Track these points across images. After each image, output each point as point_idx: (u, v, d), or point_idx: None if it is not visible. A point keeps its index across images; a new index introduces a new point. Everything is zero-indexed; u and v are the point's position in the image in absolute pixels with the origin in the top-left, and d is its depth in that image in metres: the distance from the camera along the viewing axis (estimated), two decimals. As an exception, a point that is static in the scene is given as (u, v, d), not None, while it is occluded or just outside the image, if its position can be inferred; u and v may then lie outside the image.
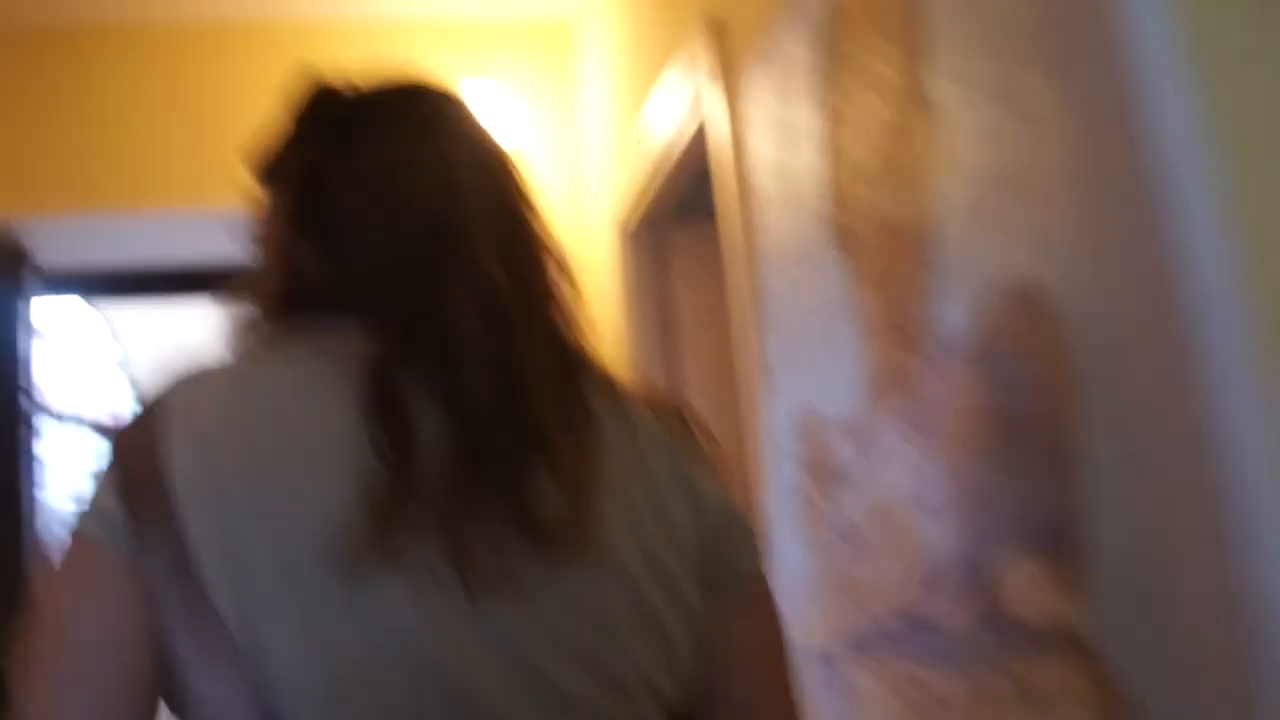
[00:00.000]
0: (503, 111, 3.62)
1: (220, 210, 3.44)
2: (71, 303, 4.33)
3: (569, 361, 0.88)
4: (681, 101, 2.63)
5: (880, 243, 1.57)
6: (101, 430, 5.32)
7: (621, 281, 3.30)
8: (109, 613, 0.74)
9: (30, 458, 3.57)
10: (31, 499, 3.52)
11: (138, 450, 0.77)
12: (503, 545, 0.76)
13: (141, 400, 0.82)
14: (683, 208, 3.17)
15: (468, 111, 0.97)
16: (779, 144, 1.97)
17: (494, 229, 0.89)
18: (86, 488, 0.79)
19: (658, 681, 0.81)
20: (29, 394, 3.62)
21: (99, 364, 5.57)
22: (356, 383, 0.79)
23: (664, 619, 0.81)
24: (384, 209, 0.88)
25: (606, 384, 0.90)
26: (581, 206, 3.72)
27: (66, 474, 4.13)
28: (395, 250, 0.86)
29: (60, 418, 5.08)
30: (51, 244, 3.66)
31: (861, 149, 1.62)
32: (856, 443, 1.66)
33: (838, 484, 1.73)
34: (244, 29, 3.68)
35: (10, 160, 3.50)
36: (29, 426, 3.60)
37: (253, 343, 0.89)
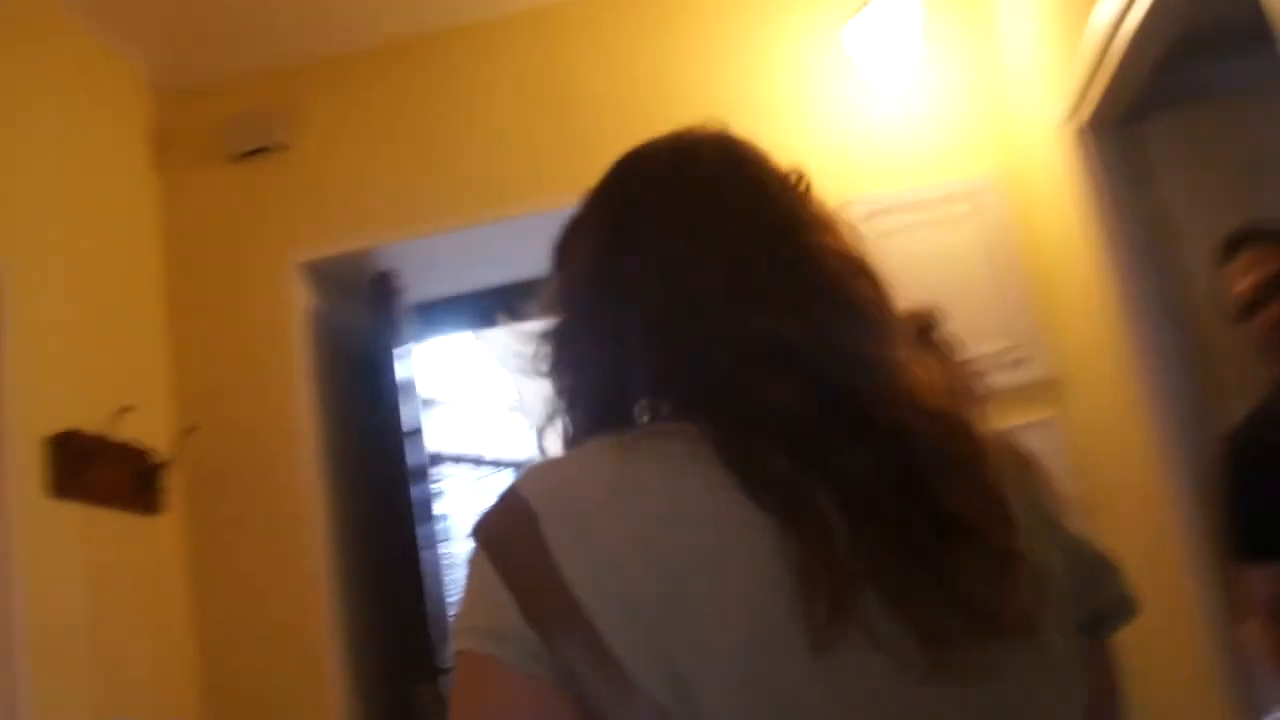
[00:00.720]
0: (908, 25, 3.04)
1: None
2: (449, 333, 4.05)
3: (962, 437, 0.80)
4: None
5: None
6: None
7: (1082, 191, 2.61)
8: None
9: (426, 509, 3.27)
10: (433, 554, 3.21)
11: (522, 555, 0.72)
12: (942, 623, 0.72)
13: (502, 497, 0.77)
14: (1160, 94, 2.47)
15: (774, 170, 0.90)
16: None
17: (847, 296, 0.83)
18: (471, 605, 0.75)
19: None
20: (415, 439, 3.31)
21: (487, 397, 5.35)
22: (755, 479, 0.74)
23: (1076, 684, 0.79)
24: (737, 307, 0.81)
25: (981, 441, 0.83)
26: (1010, 110, 3.06)
27: (467, 519, 3.90)
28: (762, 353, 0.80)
29: (456, 460, 4.87)
30: (422, 269, 3.36)
31: None
32: None
33: None
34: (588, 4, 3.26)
35: (365, 184, 3.23)
36: (420, 476, 3.30)
37: (600, 431, 0.82)
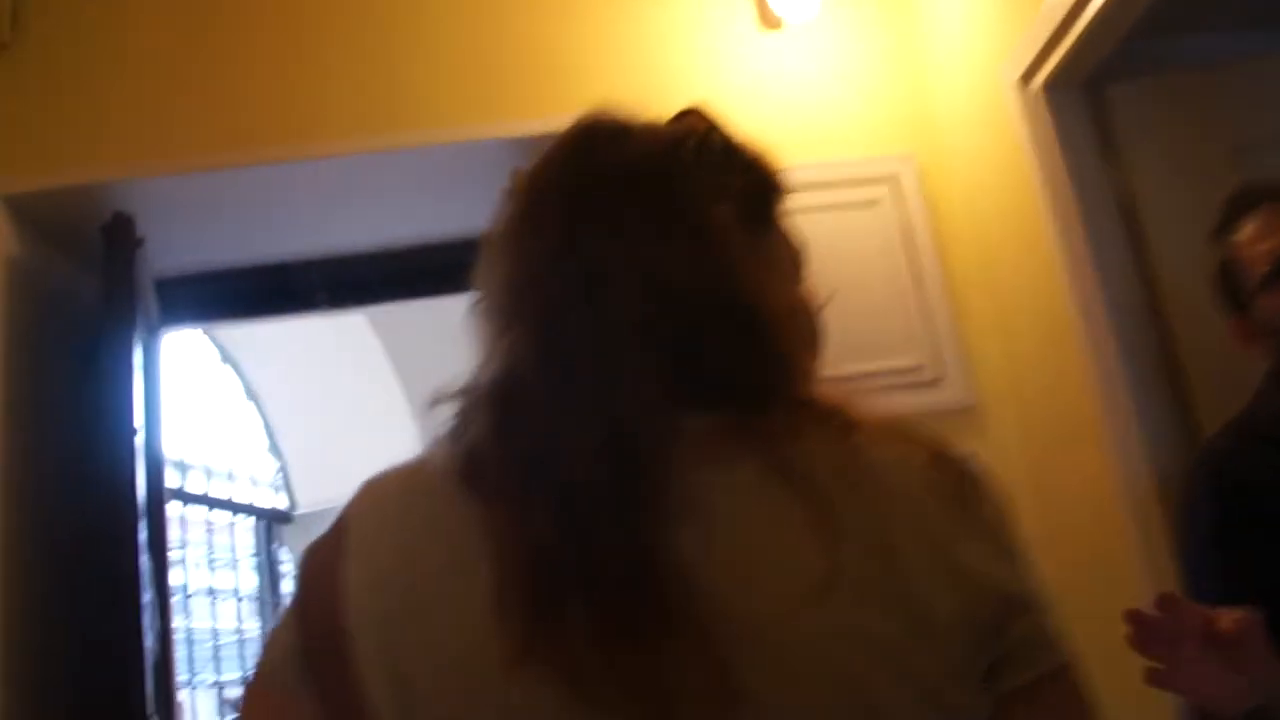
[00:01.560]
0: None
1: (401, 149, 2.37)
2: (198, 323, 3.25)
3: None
4: None
5: None
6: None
7: (1036, 161, 2.18)
8: None
9: (160, 543, 2.47)
10: (162, 593, 2.40)
11: (319, 574, 0.78)
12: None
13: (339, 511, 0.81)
14: (1127, 57, 2.14)
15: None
16: None
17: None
18: (280, 614, 0.82)
19: None
20: (153, 462, 2.50)
21: (226, 409, 4.47)
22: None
23: None
24: None
25: (835, 442, 0.76)
26: (936, 72, 2.59)
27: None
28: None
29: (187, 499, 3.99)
30: (170, 229, 2.57)
31: None
32: None
33: None
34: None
35: (103, 100, 2.41)
36: (155, 503, 2.48)
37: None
